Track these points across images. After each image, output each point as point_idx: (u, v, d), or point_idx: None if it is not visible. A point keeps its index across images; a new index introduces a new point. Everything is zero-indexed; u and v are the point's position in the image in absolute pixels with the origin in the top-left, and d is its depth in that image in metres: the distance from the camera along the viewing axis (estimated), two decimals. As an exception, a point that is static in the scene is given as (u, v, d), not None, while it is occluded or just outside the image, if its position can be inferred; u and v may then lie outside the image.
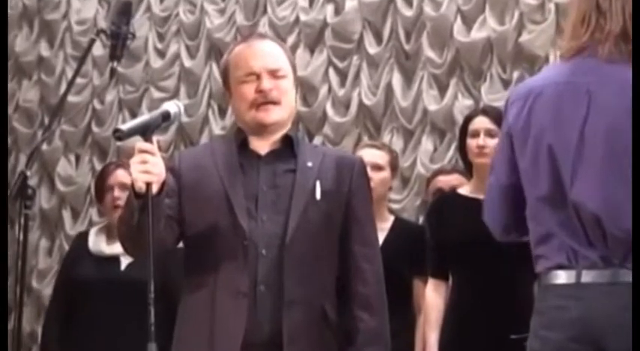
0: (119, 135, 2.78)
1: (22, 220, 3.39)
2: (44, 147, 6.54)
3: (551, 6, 5.42)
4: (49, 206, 6.86)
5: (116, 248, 4.17)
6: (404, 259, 4.29)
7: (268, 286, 2.95)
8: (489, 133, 4.08)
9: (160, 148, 2.87)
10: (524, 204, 2.68)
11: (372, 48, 5.98)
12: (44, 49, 6.98)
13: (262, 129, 3.08)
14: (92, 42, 3.99)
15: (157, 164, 2.80)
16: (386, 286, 3.10)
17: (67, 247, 5.66)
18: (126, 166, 3.98)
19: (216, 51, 6.40)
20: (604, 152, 2.54)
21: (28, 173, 3.41)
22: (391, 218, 4.57)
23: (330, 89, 6.10)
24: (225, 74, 3.17)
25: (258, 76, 3.06)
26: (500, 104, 4.59)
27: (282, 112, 3.09)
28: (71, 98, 6.42)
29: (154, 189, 2.78)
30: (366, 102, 5.97)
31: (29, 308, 6.43)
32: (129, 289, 4.15)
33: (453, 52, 5.72)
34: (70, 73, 6.65)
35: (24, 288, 3.39)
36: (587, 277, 2.53)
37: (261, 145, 3.09)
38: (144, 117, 2.89)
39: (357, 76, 6.03)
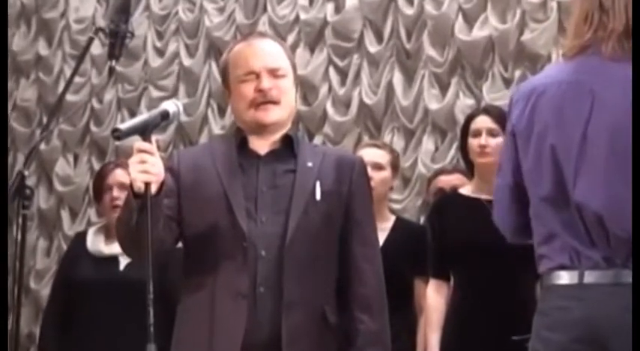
0: (118, 134, 2.77)
1: (20, 220, 3.37)
2: (42, 146, 6.52)
3: (554, 4, 5.40)
4: (47, 206, 6.84)
5: (115, 248, 4.14)
6: (405, 259, 4.28)
7: (268, 287, 2.94)
8: (491, 133, 4.07)
9: (158, 148, 2.86)
10: (532, 204, 2.67)
11: (372, 47, 5.95)
12: (42, 48, 6.96)
13: (262, 129, 3.06)
14: (90, 41, 3.97)
15: (156, 164, 2.78)
16: (387, 286, 3.09)
17: (65, 248, 5.65)
18: (124, 166, 3.97)
19: (215, 50, 6.38)
20: (607, 152, 2.53)
21: (26, 173, 3.38)
22: (392, 218, 4.55)
23: (330, 88, 6.08)
24: (224, 73, 3.16)
25: (258, 76, 3.05)
26: (501, 103, 4.58)
27: (282, 112, 3.07)
28: (69, 97, 6.40)
29: (153, 189, 2.77)
30: (367, 101, 5.94)
31: (27, 309, 6.40)
32: (128, 289, 4.13)
33: (454, 51, 5.70)
34: (68, 72, 6.63)
35: (22, 288, 3.37)
36: (589, 277, 2.52)
37: (261, 145, 3.07)
38: (143, 116, 2.88)
39: (357, 75, 6.01)
